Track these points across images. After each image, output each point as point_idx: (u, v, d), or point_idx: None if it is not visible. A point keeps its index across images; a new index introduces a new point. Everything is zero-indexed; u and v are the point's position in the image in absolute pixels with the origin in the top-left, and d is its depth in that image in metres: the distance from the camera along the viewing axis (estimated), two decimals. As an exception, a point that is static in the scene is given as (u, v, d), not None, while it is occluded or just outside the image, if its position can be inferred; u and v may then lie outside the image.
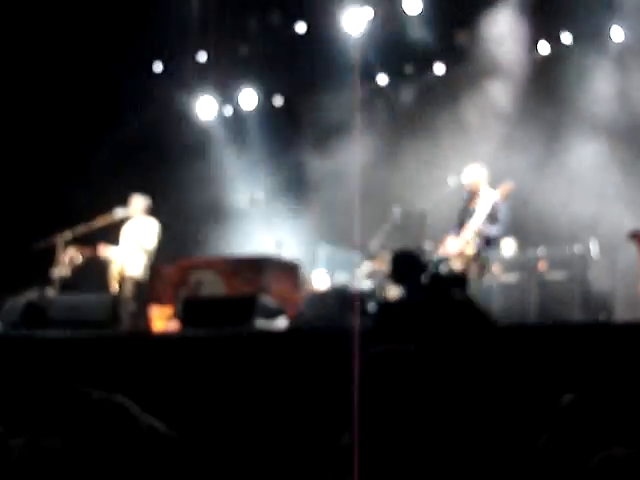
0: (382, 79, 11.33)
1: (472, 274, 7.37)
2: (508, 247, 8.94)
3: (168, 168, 11.02)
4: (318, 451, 4.16)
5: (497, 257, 8.63)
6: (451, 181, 7.82)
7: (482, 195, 7.66)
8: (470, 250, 7.43)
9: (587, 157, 9.18)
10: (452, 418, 2.54)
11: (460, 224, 7.74)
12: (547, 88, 9.92)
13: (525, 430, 3.46)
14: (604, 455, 1.68)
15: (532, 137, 9.57)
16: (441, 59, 10.88)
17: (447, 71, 10.91)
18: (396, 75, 11.19)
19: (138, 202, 8.62)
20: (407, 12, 10.11)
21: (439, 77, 10.98)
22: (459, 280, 5.74)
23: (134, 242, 8.44)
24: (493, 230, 7.55)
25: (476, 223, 7.44)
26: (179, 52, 11.37)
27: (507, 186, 7.54)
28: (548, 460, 2.12)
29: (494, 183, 7.84)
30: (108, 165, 10.65)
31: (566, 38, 9.96)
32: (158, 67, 11.62)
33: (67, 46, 10.37)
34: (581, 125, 9.50)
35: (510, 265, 8.70)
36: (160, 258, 8.64)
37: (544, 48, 10.24)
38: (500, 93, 10.00)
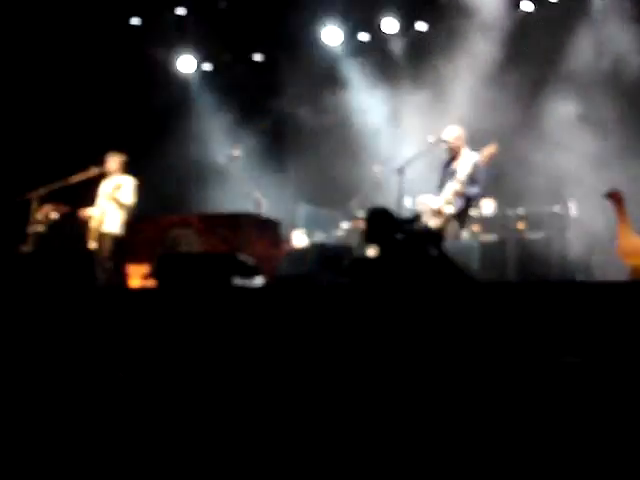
0: (363, 36, 11.20)
1: (450, 233, 7.35)
2: (487, 207, 8.96)
3: (147, 124, 10.87)
4: (293, 409, 4.17)
5: (476, 216, 8.66)
6: (431, 139, 7.77)
7: (462, 155, 7.62)
8: (449, 209, 7.41)
9: (567, 117, 9.13)
10: (429, 370, 2.55)
11: (440, 183, 7.72)
12: (528, 46, 9.83)
13: (499, 383, 3.47)
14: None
15: (512, 96, 9.50)
16: (423, 16, 10.77)
17: (429, 28, 10.80)
18: (377, 32, 11.05)
19: (114, 159, 8.51)
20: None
21: (421, 34, 10.86)
22: (434, 237, 5.72)
23: (111, 199, 8.32)
24: (473, 190, 7.53)
25: (457, 183, 7.42)
26: (158, 6, 11.18)
27: (491, 148, 7.51)
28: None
29: (474, 142, 7.80)
30: (85, 121, 10.49)
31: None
32: (136, 21, 11.41)
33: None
34: (561, 84, 9.45)
35: (489, 224, 8.75)
36: (139, 216, 8.53)
37: (527, 5, 10.17)
38: (481, 51, 9.89)
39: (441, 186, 7.68)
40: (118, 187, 8.29)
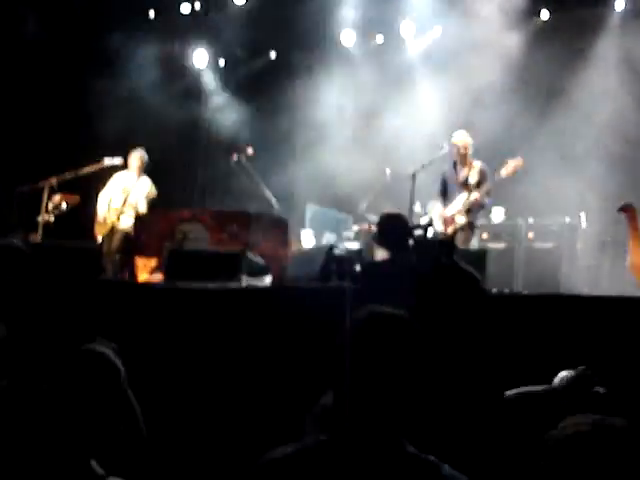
0: (379, 38, 11.20)
1: (460, 241, 7.35)
2: (497, 215, 8.94)
3: (159, 117, 10.87)
4: (298, 409, 4.15)
5: (486, 224, 8.65)
6: (445, 144, 7.76)
7: (471, 163, 7.61)
8: (461, 219, 7.41)
9: (580, 132, 9.09)
10: (441, 379, 2.53)
11: (443, 189, 7.73)
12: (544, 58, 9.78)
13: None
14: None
15: (526, 105, 9.47)
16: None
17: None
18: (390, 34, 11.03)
19: (136, 159, 8.53)
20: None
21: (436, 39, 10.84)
22: (446, 245, 5.70)
23: (126, 200, 8.35)
24: (486, 200, 7.55)
25: (475, 193, 7.39)
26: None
27: (517, 162, 7.46)
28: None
29: (489, 150, 7.80)
30: (98, 112, 10.49)
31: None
32: (151, 14, 11.44)
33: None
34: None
35: (498, 232, 8.73)
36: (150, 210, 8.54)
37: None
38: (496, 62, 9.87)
39: (444, 192, 7.68)
40: (136, 193, 8.35)
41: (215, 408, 4.58)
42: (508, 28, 9.82)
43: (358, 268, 5.84)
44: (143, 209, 8.42)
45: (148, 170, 8.67)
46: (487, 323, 4.14)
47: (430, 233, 6.67)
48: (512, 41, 9.96)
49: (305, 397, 4.20)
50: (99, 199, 8.54)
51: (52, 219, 8.11)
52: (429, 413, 2.27)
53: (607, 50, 9.49)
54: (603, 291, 7.70)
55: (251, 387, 4.63)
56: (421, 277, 4.31)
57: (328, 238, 9.50)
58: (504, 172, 7.45)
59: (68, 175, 8.27)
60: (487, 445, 2.53)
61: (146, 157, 8.62)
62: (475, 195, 7.42)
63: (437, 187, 7.98)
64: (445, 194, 7.80)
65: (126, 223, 8.36)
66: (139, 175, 8.55)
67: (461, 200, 7.48)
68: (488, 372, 3.68)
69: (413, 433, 1.96)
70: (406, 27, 10.81)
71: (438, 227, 7.39)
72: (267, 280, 6.22)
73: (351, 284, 5.39)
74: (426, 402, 2.04)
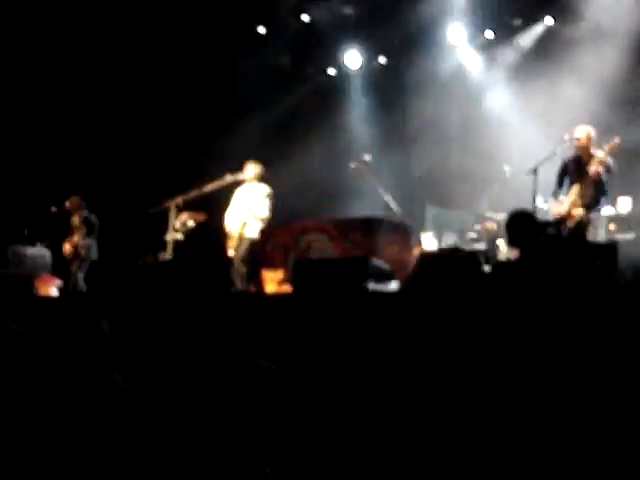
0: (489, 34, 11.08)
1: (590, 234, 7.17)
2: (624, 204, 8.66)
3: (282, 132, 11.09)
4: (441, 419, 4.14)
5: (613, 215, 8.39)
6: (567, 138, 7.59)
7: (593, 157, 7.41)
8: (581, 211, 7.25)
9: None
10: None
11: (561, 183, 7.57)
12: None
13: None
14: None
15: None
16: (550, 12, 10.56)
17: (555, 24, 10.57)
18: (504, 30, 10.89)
19: (252, 169, 8.64)
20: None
21: (550, 30, 10.63)
22: (580, 241, 5.56)
23: (248, 209, 8.47)
24: (606, 189, 7.35)
25: (591, 185, 7.22)
26: (282, 14, 11.40)
27: (613, 143, 7.28)
28: None
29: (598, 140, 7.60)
30: (219, 130, 10.79)
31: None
32: (262, 30, 11.68)
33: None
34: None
35: (626, 223, 8.44)
36: (274, 221, 8.65)
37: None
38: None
39: (561, 186, 7.52)
40: (254, 199, 8.48)
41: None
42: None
43: (487, 269, 5.76)
44: (264, 214, 8.44)
45: (264, 179, 8.75)
46: (622, 317, 4.04)
47: (560, 229, 6.54)
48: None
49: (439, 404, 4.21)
50: (225, 216, 8.70)
51: (180, 237, 8.37)
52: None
53: None
54: None
55: (382, 390, 4.65)
56: (556, 276, 4.25)
57: (449, 239, 9.42)
58: (601, 153, 7.24)
59: (193, 193, 8.52)
60: None
61: (261, 167, 8.68)
62: (591, 189, 7.21)
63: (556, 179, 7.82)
64: (563, 186, 7.62)
65: (251, 232, 8.43)
66: (256, 183, 8.64)
67: (577, 193, 7.30)
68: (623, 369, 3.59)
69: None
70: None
71: (568, 223, 7.22)
72: (394, 285, 6.21)
73: (480, 286, 5.33)
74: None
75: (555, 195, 7.55)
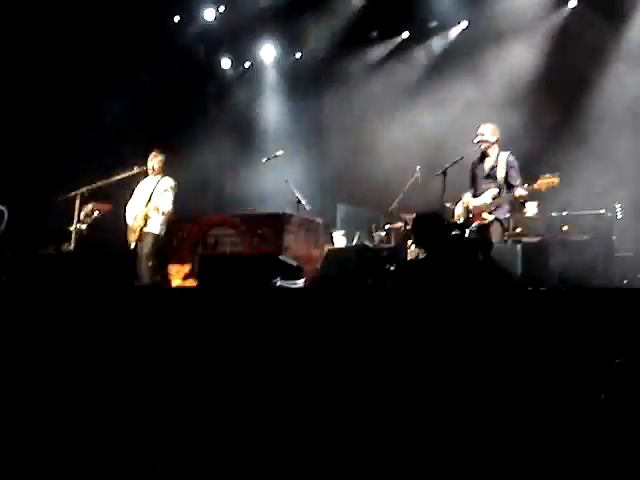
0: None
1: (494, 235, 7.25)
2: (531, 208, 8.84)
3: (188, 121, 10.90)
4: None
5: (520, 218, 8.55)
6: (474, 140, 7.67)
7: (497, 155, 7.50)
8: (489, 214, 7.32)
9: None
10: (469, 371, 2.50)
11: (473, 182, 7.64)
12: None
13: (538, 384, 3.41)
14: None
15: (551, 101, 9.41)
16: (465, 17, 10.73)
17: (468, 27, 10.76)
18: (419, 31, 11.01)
19: (156, 159, 8.47)
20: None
21: (462, 33, 10.80)
22: (483, 243, 5.61)
23: (151, 201, 8.28)
24: (518, 191, 7.45)
25: (517, 190, 7.29)
26: (197, 4, 11.26)
27: (553, 179, 7.18)
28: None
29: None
30: (124, 118, 10.54)
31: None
32: (176, 19, 11.51)
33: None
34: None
35: (533, 226, 8.62)
36: (179, 213, 8.49)
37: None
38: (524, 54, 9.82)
39: (473, 185, 7.59)
40: (156, 192, 8.28)
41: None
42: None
43: (392, 267, 5.79)
44: (167, 207, 8.26)
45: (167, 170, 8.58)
46: (522, 319, 4.09)
47: (467, 232, 6.60)
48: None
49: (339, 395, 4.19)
50: (127, 208, 8.51)
51: (85, 228, 8.14)
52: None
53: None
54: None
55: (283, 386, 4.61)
56: (458, 275, 4.28)
57: (359, 238, 9.45)
58: (536, 186, 7.21)
59: (99, 183, 8.30)
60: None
61: (163, 157, 8.52)
62: (521, 192, 7.25)
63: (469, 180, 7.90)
64: (474, 186, 7.69)
65: (153, 227, 8.25)
66: (160, 176, 8.48)
67: (489, 195, 7.37)
68: (526, 368, 3.64)
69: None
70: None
71: (475, 224, 7.29)
72: (301, 282, 6.18)
73: (385, 283, 5.36)
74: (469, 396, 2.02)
75: (466, 195, 7.63)
